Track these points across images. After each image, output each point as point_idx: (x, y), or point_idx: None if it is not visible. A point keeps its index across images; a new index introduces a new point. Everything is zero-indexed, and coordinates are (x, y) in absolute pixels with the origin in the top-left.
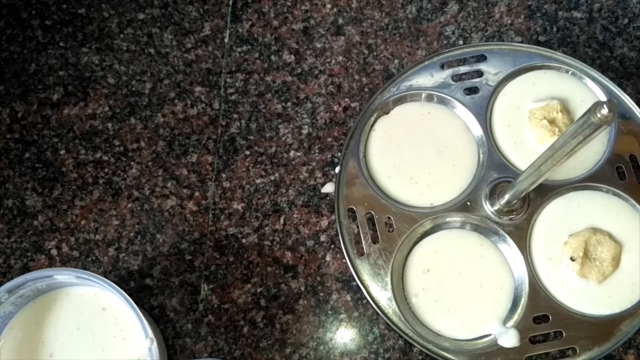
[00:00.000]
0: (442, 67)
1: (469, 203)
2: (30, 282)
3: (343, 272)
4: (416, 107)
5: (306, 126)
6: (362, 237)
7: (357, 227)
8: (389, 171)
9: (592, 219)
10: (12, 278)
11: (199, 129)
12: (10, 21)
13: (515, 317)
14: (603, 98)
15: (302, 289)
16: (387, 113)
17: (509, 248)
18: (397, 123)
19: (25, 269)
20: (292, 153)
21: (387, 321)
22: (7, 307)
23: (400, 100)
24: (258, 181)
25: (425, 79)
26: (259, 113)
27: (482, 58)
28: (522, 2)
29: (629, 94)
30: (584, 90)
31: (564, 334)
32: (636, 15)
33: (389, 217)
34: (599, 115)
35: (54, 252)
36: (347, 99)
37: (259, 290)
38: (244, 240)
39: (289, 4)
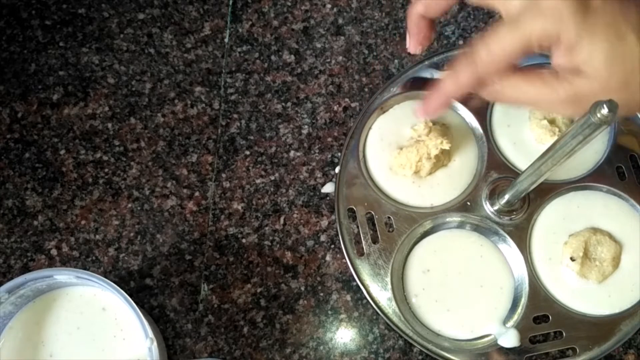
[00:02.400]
0: (442, 67)
1: (469, 203)
2: (30, 282)
3: (343, 272)
4: (415, 105)
5: (306, 126)
6: (362, 237)
7: (357, 227)
8: (388, 171)
9: (592, 219)
10: (12, 278)
11: (199, 129)
12: (10, 21)
13: (515, 317)
14: None
15: (302, 289)
16: (385, 112)
17: (509, 248)
18: (395, 121)
19: (25, 269)
20: (292, 153)
21: (387, 321)
22: (7, 307)
23: (400, 100)
24: (258, 181)
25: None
26: (259, 113)
27: None
28: None
29: None
30: None
31: (564, 334)
32: None
33: (389, 217)
34: (599, 115)
35: (54, 252)
36: (347, 99)
37: (259, 290)
38: (244, 240)
39: (289, 4)
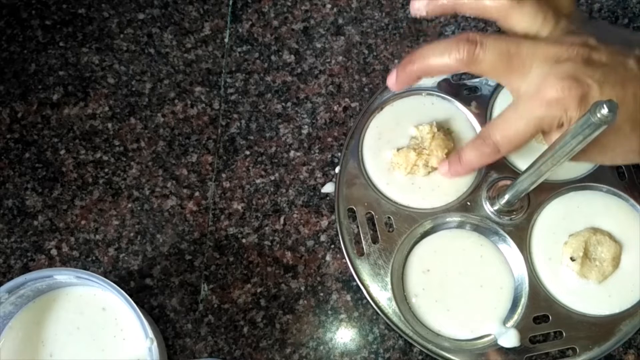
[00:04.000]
0: None
1: (469, 203)
2: (30, 282)
3: (343, 272)
4: (415, 101)
5: (306, 126)
6: (362, 237)
7: (357, 227)
8: (387, 171)
9: (592, 219)
10: (12, 278)
11: (199, 129)
12: (10, 21)
13: (515, 317)
14: None
15: (302, 289)
16: (382, 110)
17: (509, 248)
18: (392, 119)
19: (25, 269)
20: (292, 153)
21: (387, 321)
22: (7, 307)
23: (397, 97)
24: (258, 181)
25: (425, 79)
26: (259, 113)
27: None
28: None
29: None
30: None
31: (564, 334)
32: (636, 15)
33: (389, 217)
34: (599, 115)
35: (54, 252)
36: (347, 99)
37: (259, 290)
38: (244, 240)
39: (289, 4)
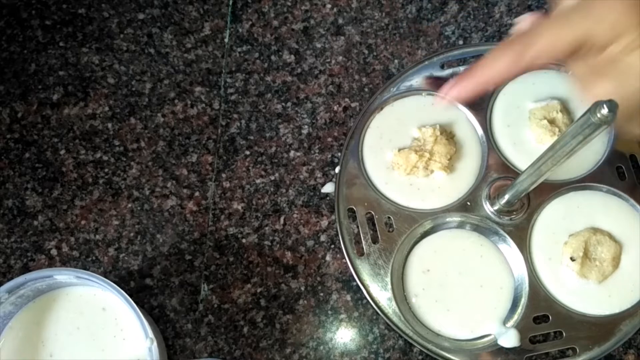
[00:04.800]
0: (442, 67)
1: (469, 203)
2: (30, 282)
3: (343, 272)
4: (414, 101)
5: (306, 126)
6: (362, 237)
7: (357, 227)
8: (387, 171)
9: (592, 219)
10: (12, 278)
11: (199, 129)
12: (10, 21)
13: (515, 317)
14: None
15: (302, 289)
16: (382, 109)
17: (509, 248)
18: (394, 119)
19: (25, 269)
20: (292, 153)
21: (387, 321)
22: (7, 307)
23: (398, 97)
24: (258, 181)
25: (425, 79)
26: (259, 113)
27: None
28: (522, 2)
29: None
30: None
31: (564, 334)
32: None
33: (389, 217)
34: (599, 115)
35: (54, 252)
36: (347, 99)
37: (259, 290)
38: (244, 240)
39: (289, 4)
